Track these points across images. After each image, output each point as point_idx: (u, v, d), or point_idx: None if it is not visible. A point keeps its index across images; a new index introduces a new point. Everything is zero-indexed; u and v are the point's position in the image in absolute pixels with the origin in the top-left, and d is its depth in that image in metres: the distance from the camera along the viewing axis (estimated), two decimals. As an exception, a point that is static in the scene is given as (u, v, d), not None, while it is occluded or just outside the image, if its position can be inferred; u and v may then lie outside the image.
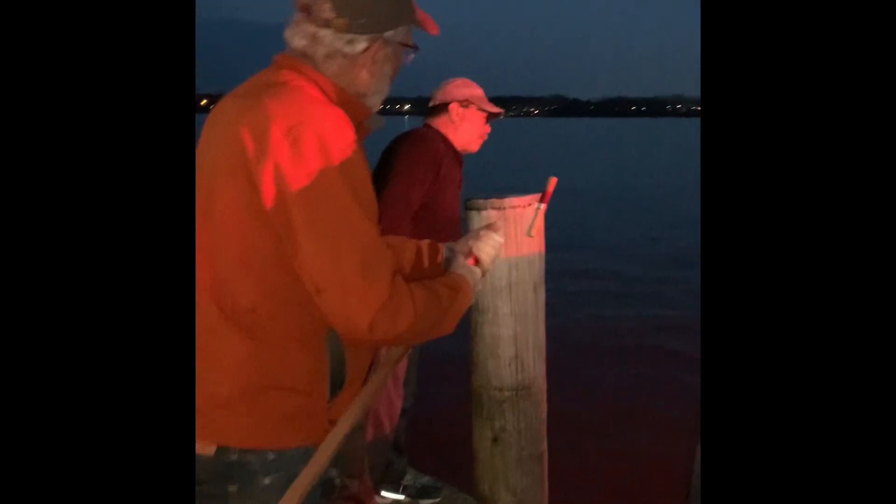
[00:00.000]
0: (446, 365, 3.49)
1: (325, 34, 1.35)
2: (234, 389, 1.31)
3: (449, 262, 1.56)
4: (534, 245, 2.26)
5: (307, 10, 1.36)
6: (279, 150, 1.22)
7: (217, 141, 1.30)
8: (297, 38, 1.37)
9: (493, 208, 2.17)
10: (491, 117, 2.91)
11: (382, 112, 1.51)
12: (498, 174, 19.28)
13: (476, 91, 2.86)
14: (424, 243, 1.56)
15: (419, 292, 1.31)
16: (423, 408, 3.24)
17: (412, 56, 1.51)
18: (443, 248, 1.59)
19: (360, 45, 1.38)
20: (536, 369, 2.38)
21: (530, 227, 2.19)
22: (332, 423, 1.40)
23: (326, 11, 1.34)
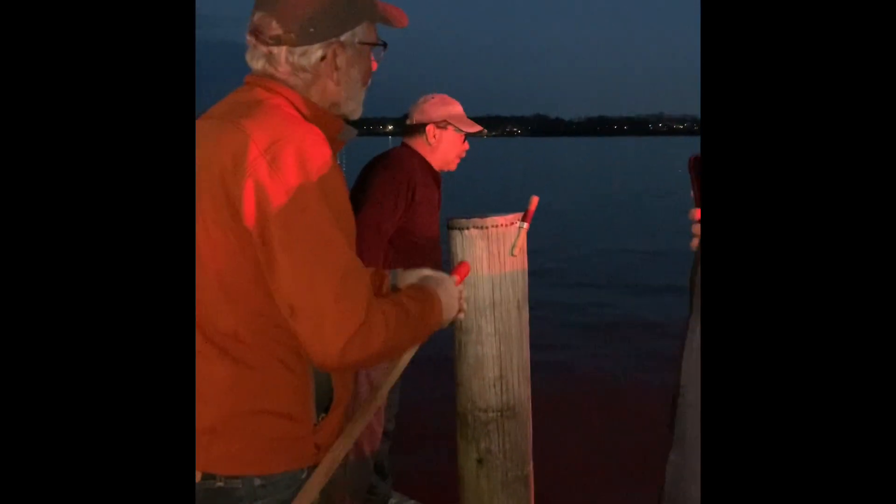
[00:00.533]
0: (431, 385, 3.46)
1: (279, 52, 1.34)
2: (219, 415, 1.28)
3: (395, 289, 1.54)
4: (517, 264, 2.25)
5: (257, 32, 1.34)
6: (258, 168, 1.21)
7: (196, 164, 1.29)
8: (254, 61, 1.37)
9: (476, 227, 2.16)
10: (470, 135, 2.88)
11: (365, 133, 1.50)
12: (482, 193, 19.33)
13: (454, 109, 2.82)
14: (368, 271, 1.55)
15: (391, 312, 1.29)
16: (408, 430, 3.20)
17: (383, 53, 1.47)
18: (388, 278, 1.58)
19: (315, 55, 1.35)
20: (521, 390, 2.35)
21: (513, 247, 2.18)
22: (319, 447, 1.37)
23: (274, 29, 1.32)
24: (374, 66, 1.46)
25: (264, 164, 1.21)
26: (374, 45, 1.43)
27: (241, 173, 1.21)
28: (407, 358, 1.56)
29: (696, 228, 1.18)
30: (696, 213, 1.17)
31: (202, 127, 1.32)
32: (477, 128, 2.85)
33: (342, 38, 1.37)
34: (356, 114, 1.45)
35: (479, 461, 2.37)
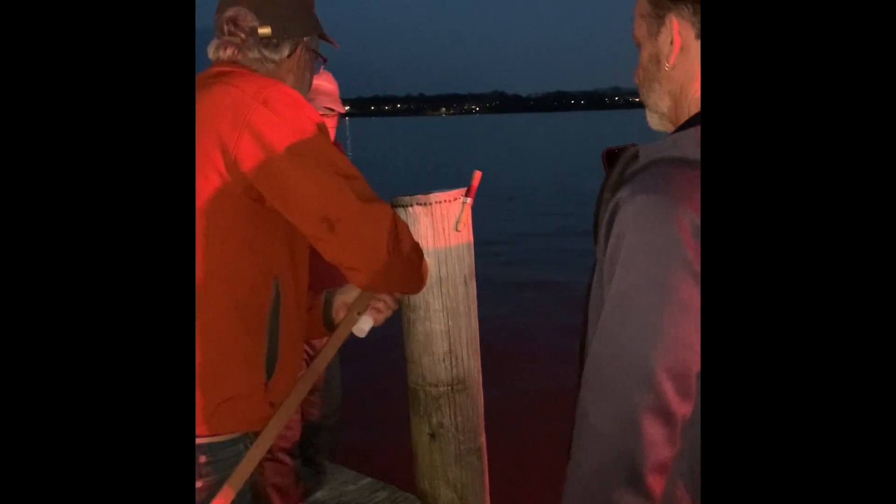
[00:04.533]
0: (382, 361, 3.47)
1: (251, 42, 1.42)
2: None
3: (329, 304, 1.64)
4: (462, 239, 2.26)
5: (232, 22, 1.43)
6: (253, 111, 1.28)
7: None
8: (221, 49, 1.44)
9: (419, 204, 2.16)
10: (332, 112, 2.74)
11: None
12: (442, 173, 19.30)
13: (325, 87, 2.69)
14: None
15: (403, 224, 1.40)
16: (361, 406, 3.21)
17: (321, 67, 1.62)
18: (320, 298, 1.65)
19: (285, 50, 1.45)
20: (471, 363, 2.38)
21: (457, 222, 2.19)
22: (273, 405, 1.40)
23: (251, 21, 1.42)
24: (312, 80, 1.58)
25: (258, 105, 1.28)
26: (318, 55, 1.55)
27: (239, 120, 1.27)
28: (351, 320, 1.58)
29: None
30: None
31: None
32: (340, 109, 2.77)
33: (306, 39, 1.49)
34: None
35: (432, 435, 2.40)
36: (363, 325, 1.55)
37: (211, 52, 1.46)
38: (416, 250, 1.43)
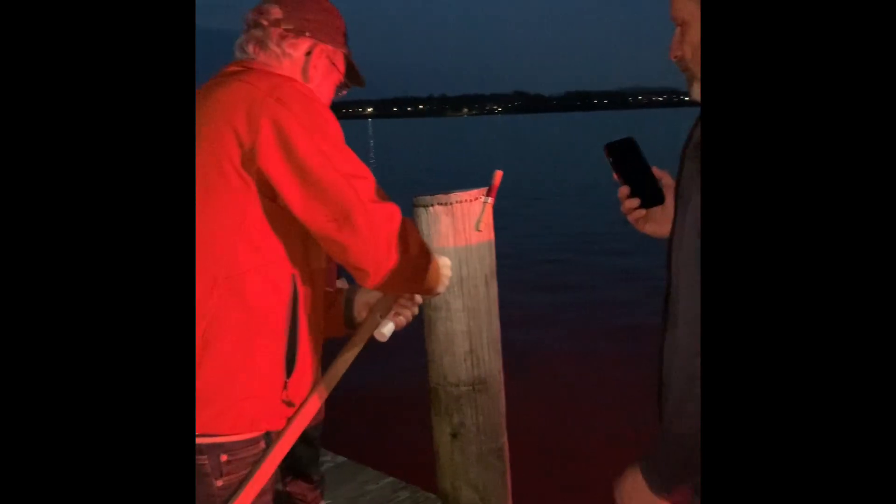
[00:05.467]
0: (405, 361, 3.47)
1: (273, 34, 1.45)
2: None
3: (350, 303, 1.63)
4: (483, 239, 2.26)
5: (258, 13, 1.47)
6: (269, 108, 1.28)
7: (197, 120, 1.34)
8: (244, 45, 1.47)
9: (440, 203, 2.16)
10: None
11: (345, 116, 1.56)
12: (465, 173, 19.28)
13: None
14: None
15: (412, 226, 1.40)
16: (383, 406, 3.21)
17: (344, 91, 1.61)
18: (342, 296, 1.65)
19: (302, 47, 1.47)
20: (492, 363, 2.37)
21: (478, 221, 2.19)
22: (292, 404, 1.41)
23: (276, 14, 1.46)
24: (330, 98, 1.59)
25: (272, 102, 1.29)
26: (341, 73, 1.56)
27: (255, 116, 1.28)
28: (372, 323, 1.58)
29: (627, 205, 1.30)
30: (622, 191, 1.31)
31: (200, 92, 1.39)
32: None
33: (325, 47, 1.50)
34: None
35: (454, 435, 2.40)
36: (384, 330, 1.55)
37: (237, 46, 1.49)
38: (424, 253, 1.43)
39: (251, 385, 1.34)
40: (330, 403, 1.81)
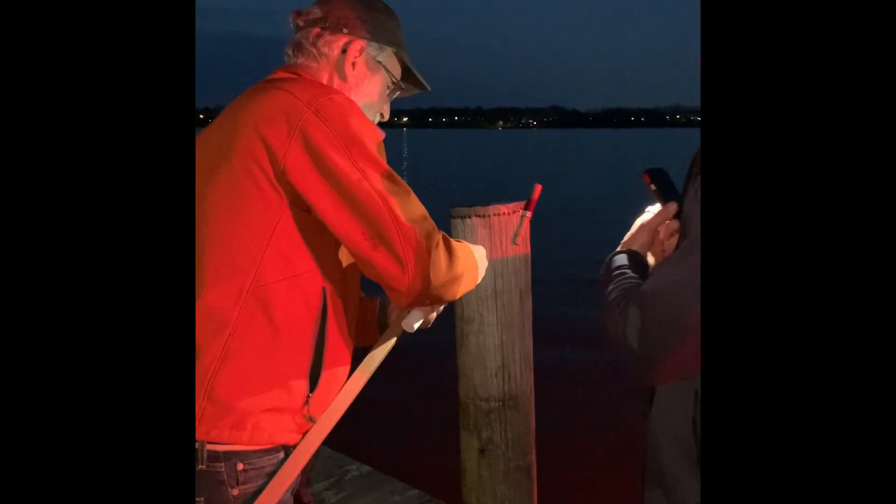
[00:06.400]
0: (433, 375, 3.45)
1: (310, 35, 1.44)
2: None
3: (385, 309, 1.64)
4: (520, 252, 2.23)
5: (299, 14, 1.47)
6: (306, 120, 1.27)
7: (233, 126, 1.33)
8: (289, 47, 1.47)
9: (477, 216, 2.14)
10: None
11: (381, 125, 1.54)
12: (498, 185, 19.27)
13: None
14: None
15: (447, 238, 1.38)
16: (410, 419, 3.20)
17: (397, 94, 1.58)
18: (375, 303, 1.65)
19: (338, 45, 1.43)
20: (523, 379, 2.34)
21: (515, 235, 2.16)
22: (313, 419, 1.39)
23: (314, 14, 1.45)
24: (387, 109, 1.58)
25: (310, 114, 1.27)
26: (390, 73, 1.52)
27: (292, 128, 1.26)
28: (396, 332, 1.56)
29: (671, 227, 1.27)
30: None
31: (241, 98, 1.39)
32: None
33: (365, 43, 1.46)
34: None
35: (481, 451, 2.36)
36: (412, 321, 1.52)
37: (287, 50, 1.49)
38: (460, 266, 1.37)
39: (272, 398, 1.32)
40: (355, 413, 1.79)
